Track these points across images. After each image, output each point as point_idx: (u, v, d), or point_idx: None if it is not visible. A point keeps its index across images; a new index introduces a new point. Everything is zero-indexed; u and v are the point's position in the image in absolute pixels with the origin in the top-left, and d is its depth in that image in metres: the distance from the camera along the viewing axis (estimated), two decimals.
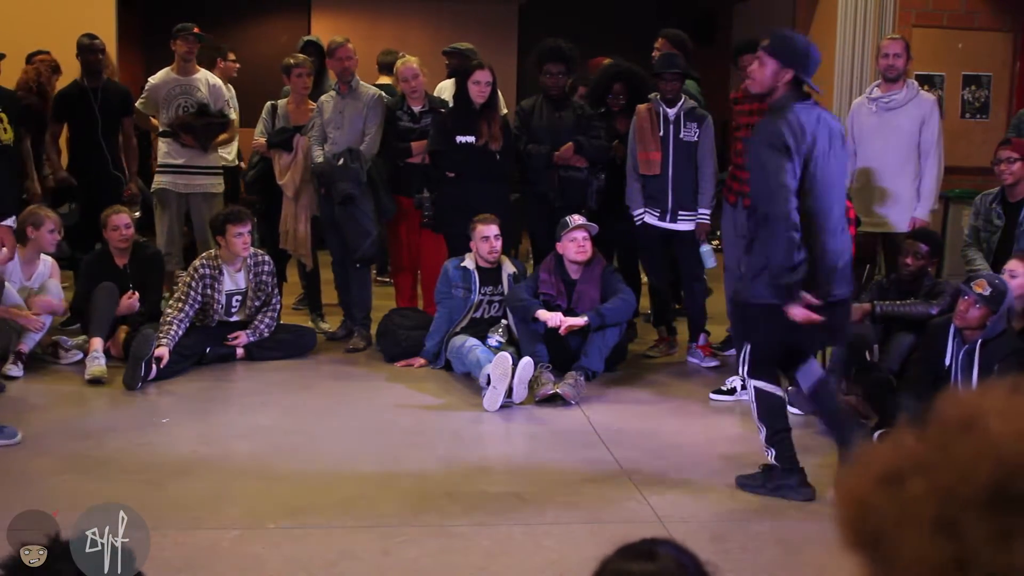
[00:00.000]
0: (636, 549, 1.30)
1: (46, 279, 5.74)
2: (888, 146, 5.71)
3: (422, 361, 5.77)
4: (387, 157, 6.32)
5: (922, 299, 4.84)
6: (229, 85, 7.32)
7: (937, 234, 5.43)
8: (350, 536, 3.50)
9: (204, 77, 6.77)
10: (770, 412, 3.92)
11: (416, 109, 6.29)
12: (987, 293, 4.26)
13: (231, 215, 5.77)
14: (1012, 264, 4.67)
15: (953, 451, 0.88)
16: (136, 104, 6.87)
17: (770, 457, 3.95)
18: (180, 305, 5.61)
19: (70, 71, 6.91)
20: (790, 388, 5.00)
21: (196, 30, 6.69)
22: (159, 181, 6.69)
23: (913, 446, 0.92)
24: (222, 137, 6.78)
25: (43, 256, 5.80)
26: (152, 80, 6.78)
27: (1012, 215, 5.26)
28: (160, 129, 6.73)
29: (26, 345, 5.46)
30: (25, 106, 6.28)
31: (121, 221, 5.83)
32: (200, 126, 6.59)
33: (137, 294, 5.79)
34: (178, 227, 6.77)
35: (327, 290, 6.76)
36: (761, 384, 3.92)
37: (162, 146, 6.70)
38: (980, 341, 4.30)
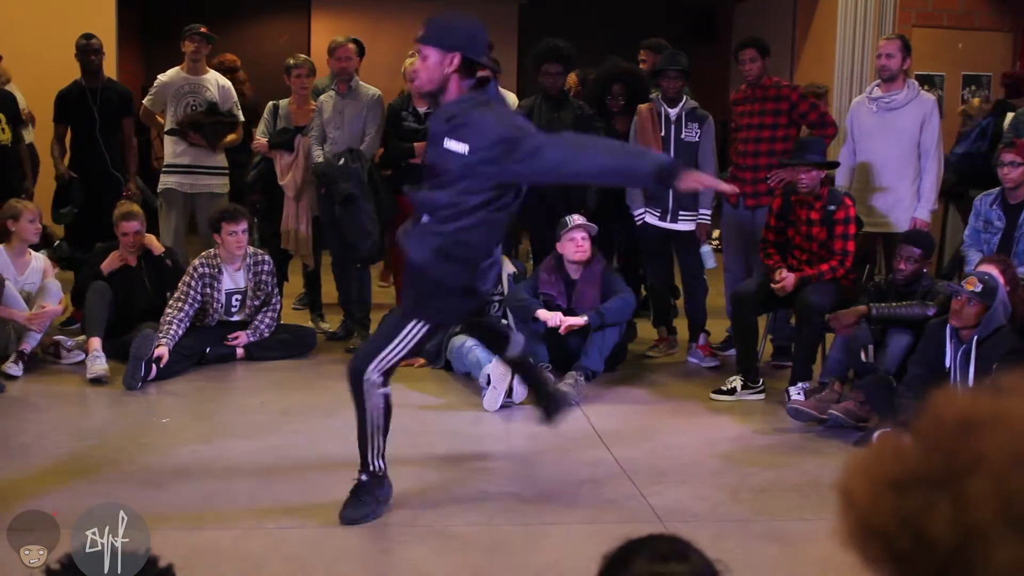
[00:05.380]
0: (663, 551, 1.23)
1: (46, 279, 5.72)
2: (888, 146, 5.70)
3: (422, 361, 5.76)
4: (388, 158, 6.31)
5: (919, 300, 4.85)
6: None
7: (930, 235, 5.42)
8: (350, 536, 3.50)
9: (214, 78, 6.77)
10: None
11: (421, 110, 6.28)
12: (979, 289, 4.30)
13: (225, 213, 5.76)
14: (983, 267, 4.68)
15: (980, 450, 0.87)
16: (144, 101, 6.87)
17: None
18: (180, 304, 5.60)
19: (70, 71, 6.89)
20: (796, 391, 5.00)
21: (203, 30, 6.70)
22: (165, 181, 6.68)
23: (916, 451, 0.91)
24: (230, 137, 6.77)
25: (35, 254, 5.78)
26: (161, 78, 6.79)
27: (1012, 217, 5.26)
28: (167, 127, 6.72)
29: (28, 344, 5.46)
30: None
31: (131, 228, 5.78)
32: (208, 124, 6.59)
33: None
34: (183, 227, 6.76)
35: (327, 290, 6.76)
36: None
37: (168, 145, 6.69)
38: (976, 339, 4.32)
